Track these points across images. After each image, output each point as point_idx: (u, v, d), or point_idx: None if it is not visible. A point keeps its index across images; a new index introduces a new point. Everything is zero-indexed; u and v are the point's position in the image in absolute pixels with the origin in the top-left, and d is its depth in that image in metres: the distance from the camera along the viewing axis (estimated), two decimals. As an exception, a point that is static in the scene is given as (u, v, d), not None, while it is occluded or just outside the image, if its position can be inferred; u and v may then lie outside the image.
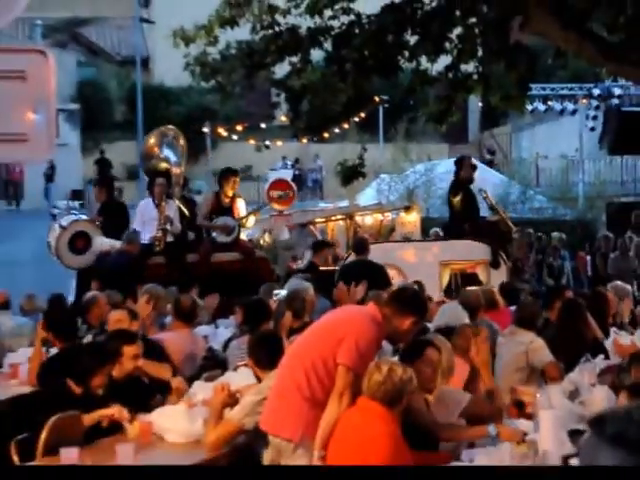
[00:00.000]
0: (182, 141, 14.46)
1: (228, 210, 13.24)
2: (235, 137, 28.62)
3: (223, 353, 8.85)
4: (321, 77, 15.56)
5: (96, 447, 5.88)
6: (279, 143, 30.42)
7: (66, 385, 6.49)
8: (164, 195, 13.06)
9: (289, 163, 36.07)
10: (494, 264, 13.77)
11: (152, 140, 14.43)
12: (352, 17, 14.24)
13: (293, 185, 19.25)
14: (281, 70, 15.61)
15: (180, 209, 13.45)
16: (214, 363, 8.43)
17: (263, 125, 30.16)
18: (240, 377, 6.78)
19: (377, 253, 13.10)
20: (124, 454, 5.38)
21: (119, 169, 40.07)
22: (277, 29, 14.34)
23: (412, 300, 5.79)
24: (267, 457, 5.52)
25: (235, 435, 5.89)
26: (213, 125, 27.09)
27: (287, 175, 28.19)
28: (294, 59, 14.76)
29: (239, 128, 27.33)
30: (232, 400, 6.02)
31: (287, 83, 15.83)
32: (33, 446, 5.94)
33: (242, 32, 14.60)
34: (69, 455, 5.29)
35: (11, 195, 36.49)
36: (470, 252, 13.71)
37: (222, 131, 27.15)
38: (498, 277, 13.29)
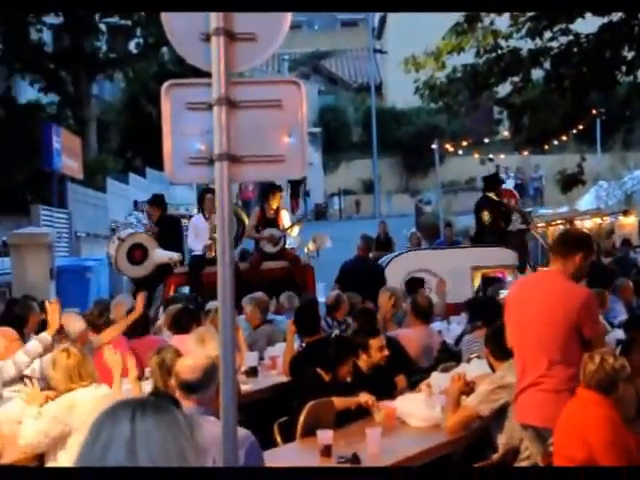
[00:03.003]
0: None
1: (273, 222, 13.11)
2: (461, 152, 28.50)
3: (455, 347, 8.83)
4: (541, 94, 15.33)
5: (347, 430, 5.98)
6: (501, 156, 30.07)
7: (317, 374, 6.66)
8: (214, 208, 12.99)
9: (511, 174, 35.51)
10: (521, 269, 13.50)
11: None
12: (570, 37, 13.94)
13: (515, 193, 18.94)
14: (503, 89, 15.45)
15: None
16: (448, 356, 8.41)
17: (486, 140, 29.87)
18: (473, 368, 6.74)
19: (415, 259, 13.74)
20: (372, 437, 5.44)
21: (357, 184, 40.66)
22: (500, 52, 14.22)
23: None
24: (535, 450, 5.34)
25: (471, 420, 5.87)
26: (441, 142, 27.03)
27: (509, 185, 27.73)
28: (515, 79, 14.61)
29: (464, 144, 27.18)
30: (468, 388, 6.01)
31: (509, 101, 15.68)
32: (292, 428, 6.13)
33: (467, 56, 14.56)
34: (325, 436, 5.38)
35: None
36: (498, 258, 13.51)
37: (449, 147, 27.08)
38: None
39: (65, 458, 5.32)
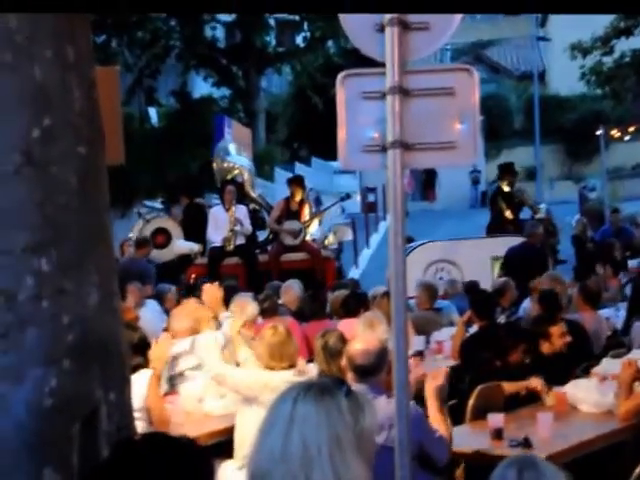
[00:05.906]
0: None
1: (296, 214, 12.73)
2: (627, 138, 27.63)
3: (624, 333, 8.57)
4: None
5: (518, 414, 5.88)
6: (670, 141, 28.95)
7: (489, 359, 6.60)
8: (234, 200, 12.68)
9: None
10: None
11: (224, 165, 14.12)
12: None
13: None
14: (675, 73, 14.89)
15: (250, 211, 13.11)
16: (617, 342, 8.19)
17: (654, 126, 28.87)
18: (646, 355, 6.52)
19: (436, 249, 13.34)
20: (544, 421, 5.35)
21: (519, 171, 39.89)
22: (676, 35, 13.72)
23: None
24: None
25: (646, 407, 5.68)
26: (606, 128, 26.23)
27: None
28: (688, 62, 14.06)
29: (631, 129, 26.36)
30: (640, 375, 5.83)
31: (679, 85, 15.09)
32: (461, 411, 6.08)
33: (636, 41, 14.11)
34: (495, 419, 5.32)
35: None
36: None
37: (615, 133, 26.30)
38: None
39: (250, 414, 5.41)
